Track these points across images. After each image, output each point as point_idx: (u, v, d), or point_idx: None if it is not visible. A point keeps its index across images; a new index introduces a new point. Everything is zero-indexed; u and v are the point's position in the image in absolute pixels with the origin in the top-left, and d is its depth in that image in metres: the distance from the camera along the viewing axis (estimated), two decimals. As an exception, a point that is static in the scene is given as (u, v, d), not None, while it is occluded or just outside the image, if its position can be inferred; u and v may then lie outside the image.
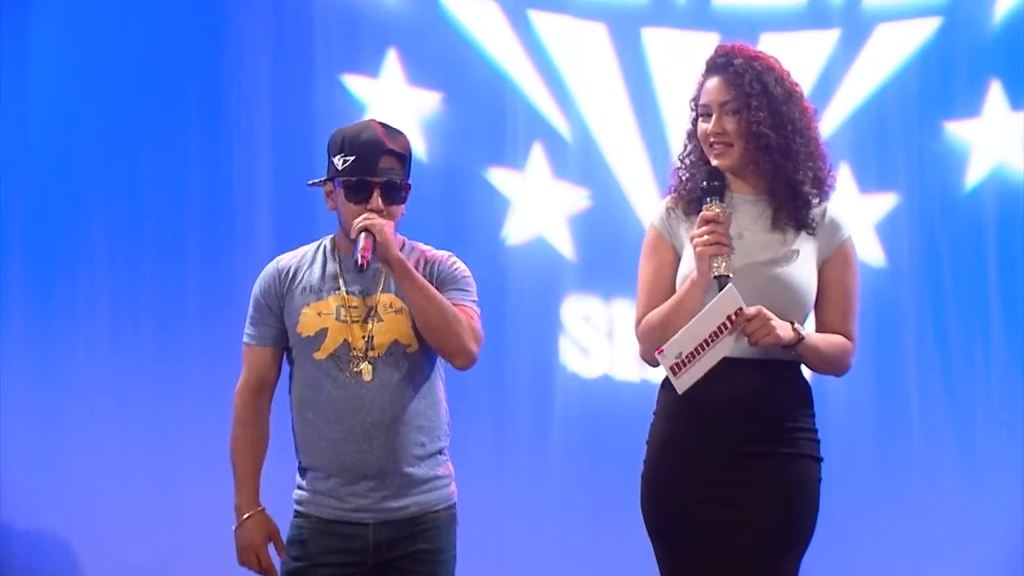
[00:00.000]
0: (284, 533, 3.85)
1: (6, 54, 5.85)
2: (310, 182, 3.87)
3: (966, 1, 5.91)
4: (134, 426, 5.83)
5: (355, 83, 5.92)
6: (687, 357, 3.53)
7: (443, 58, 5.91)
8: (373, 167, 3.73)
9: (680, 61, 5.90)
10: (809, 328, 3.68)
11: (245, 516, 3.79)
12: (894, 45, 5.90)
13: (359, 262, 3.61)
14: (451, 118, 5.91)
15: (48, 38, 5.88)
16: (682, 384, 3.55)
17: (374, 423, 3.72)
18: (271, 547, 3.81)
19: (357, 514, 3.73)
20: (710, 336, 3.52)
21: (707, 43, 5.86)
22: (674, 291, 3.66)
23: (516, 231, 5.94)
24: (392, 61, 5.91)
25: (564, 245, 5.95)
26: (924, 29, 5.91)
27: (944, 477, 5.85)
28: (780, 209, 3.65)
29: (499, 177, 5.93)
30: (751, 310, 3.50)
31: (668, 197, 3.79)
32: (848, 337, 3.65)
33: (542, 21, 5.93)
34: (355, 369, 3.72)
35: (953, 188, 5.91)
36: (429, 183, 5.89)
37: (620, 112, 5.92)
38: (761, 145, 3.62)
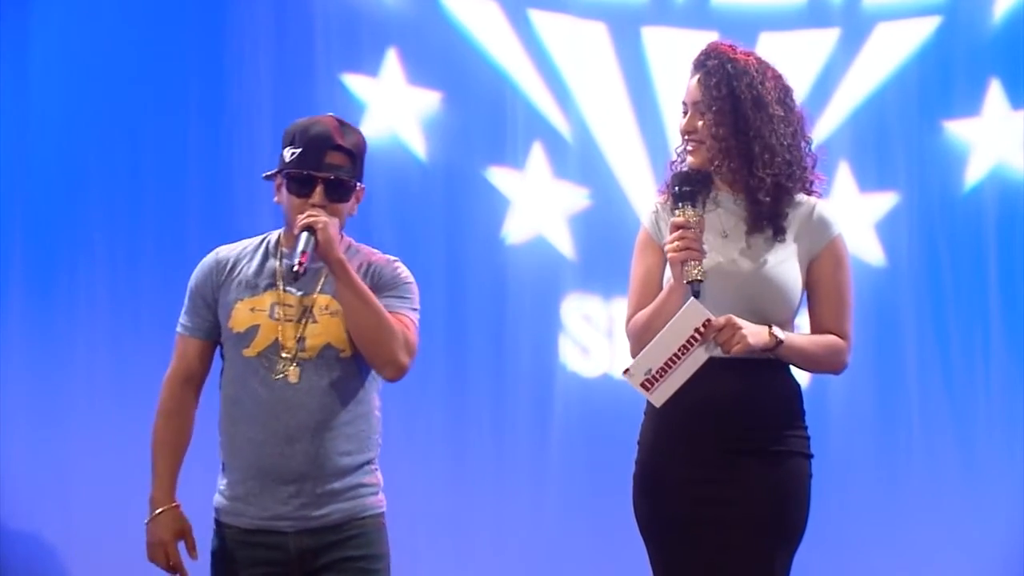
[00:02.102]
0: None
1: (6, 54, 5.85)
2: (264, 174, 3.78)
3: (966, 0, 5.91)
4: (134, 425, 5.78)
5: (355, 83, 5.92)
6: (657, 373, 3.51)
7: (443, 58, 5.91)
8: (319, 162, 3.62)
9: (680, 60, 5.88)
10: (805, 327, 3.68)
11: (158, 511, 3.68)
12: (894, 44, 5.90)
13: (295, 267, 3.48)
14: (451, 118, 5.91)
15: (48, 38, 5.87)
16: (658, 398, 3.54)
17: (298, 427, 3.59)
18: (181, 546, 3.70)
19: (275, 522, 3.61)
20: (679, 350, 3.49)
21: (706, 42, 5.90)
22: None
23: (516, 230, 5.94)
24: (392, 61, 5.91)
25: (564, 244, 5.95)
26: (924, 28, 5.91)
27: (944, 477, 5.85)
28: (759, 208, 3.63)
29: (499, 177, 5.93)
30: (719, 320, 3.49)
31: (659, 196, 3.79)
32: (841, 335, 3.63)
33: (542, 20, 5.94)
34: (283, 370, 3.61)
35: (953, 187, 5.92)
36: (429, 183, 5.90)
37: (620, 111, 5.93)
38: (721, 148, 3.62)
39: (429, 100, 5.91)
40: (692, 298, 3.49)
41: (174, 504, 3.71)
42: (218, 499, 3.71)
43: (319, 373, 3.62)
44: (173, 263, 5.88)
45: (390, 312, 3.62)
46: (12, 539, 5.80)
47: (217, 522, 3.71)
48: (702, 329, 3.48)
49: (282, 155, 3.68)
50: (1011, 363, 5.86)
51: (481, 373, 5.85)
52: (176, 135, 5.88)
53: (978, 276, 5.87)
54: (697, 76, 3.68)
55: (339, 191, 3.64)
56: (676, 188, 3.60)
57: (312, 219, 3.54)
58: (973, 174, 5.91)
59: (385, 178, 5.79)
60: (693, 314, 3.48)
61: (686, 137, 3.68)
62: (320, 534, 3.61)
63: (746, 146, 3.60)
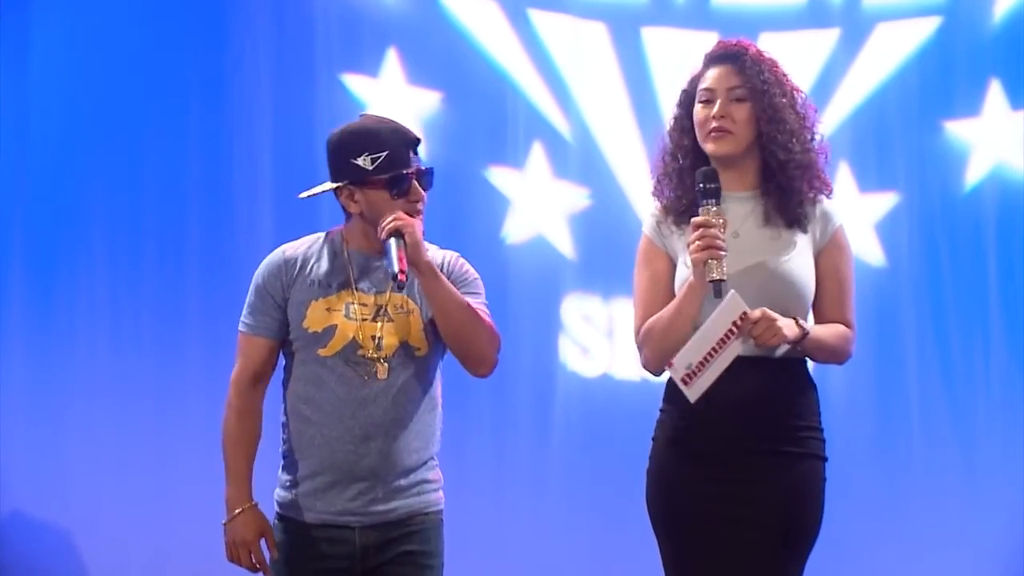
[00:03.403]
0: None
1: (6, 54, 5.85)
2: (308, 193, 3.77)
3: (966, 0, 5.91)
4: (135, 424, 5.83)
5: (355, 83, 5.92)
6: (697, 367, 3.53)
7: (443, 57, 5.91)
8: (407, 159, 3.67)
9: (680, 60, 5.90)
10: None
11: (237, 511, 3.68)
12: (894, 44, 5.90)
13: (398, 276, 3.53)
14: (451, 117, 5.92)
15: (48, 38, 5.88)
16: (694, 392, 3.55)
17: (374, 425, 3.64)
18: (263, 544, 3.71)
19: (343, 517, 3.66)
20: (718, 344, 3.52)
21: (707, 42, 5.88)
22: (672, 297, 3.65)
23: (516, 230, 5.94)
24: (392, 60, 5.91)
25: (564, 244, 5.95)
26: (924, 28, 5.90)
27: (944, 477, 5.84)
28: (771, 205, 3.65)
29: (499, 176, 5.93)
30: (755, 313, 3.50)
31: (655, 207, 3.79)
32: (847, 325, 3.66)
33: (542, 20, 5.94)
34: (362, 369, 3.64)
35: (953, 188, 5.91)
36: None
37: (620, 111, 5.92)
38: (764, 137, 3.63)
39: (429, 100, 5.91)
40: (732, 291, 3.51)
41: (253, 503, 3.70)
42: (282, 493, 3.74)
43: (395, 371, 3.66)
44: (173, 263, 5.90)
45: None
46: (12, 539, 5.80)
47: (280, 516, 3.73)
48: (739, 322, 3.50)
49: (351, 165, 3.64)
50: (1011, 363, 5.86)
51: (481, 373, 5.85)
52: (176, 135, 5.89)
53: (978, 276, 5.87)
54: (728, 65, 3.68)
55: (427, 180, 3.73)
56: (701, 185, 3.59)
57: (399, 223, 3.59)
58: (973, 174, 5.91)
59: (385, 178, 5.79)
60: (732, 307, 3.51)
61: (714, 124, 3.65)
62: (384, 529, 3.66)
63: (785, 137, 3.62)
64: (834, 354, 3.66)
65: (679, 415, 3.65)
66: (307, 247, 3.77)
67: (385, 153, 3.64)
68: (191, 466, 5.67)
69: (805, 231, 3.65)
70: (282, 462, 3.77)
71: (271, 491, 3.79)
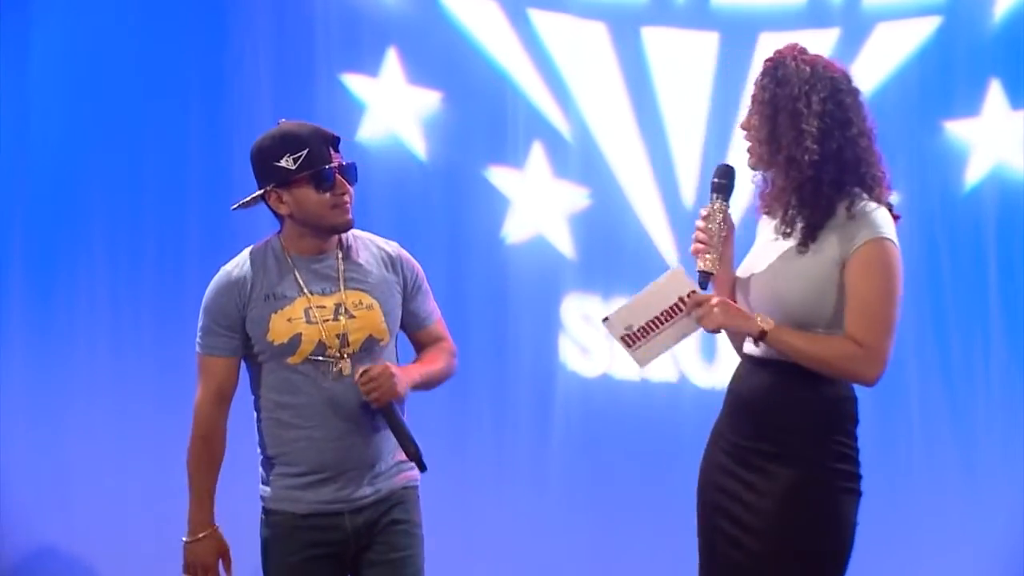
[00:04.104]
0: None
1: (6, 54, 5.85)
2: (238, 204, 3.87)
3: (966, 0, 5.90)
4: (135, 425, 5.83)
5: (355, 82, 5.92)
6: (639, 332, 3.61)
7: (443, 57, 5.91)
8: (327, 154, 3.75)
9: (680, 60, 5.91)
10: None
11: (200, 535, 3.82)
12: (894, 44, 5.89)
13: (421, 468, 3.81)
14: (451, 117, 5.91)
15: (48, 38, 5.87)
16: (641, 359, 3.64)
17: (353, 420, 3.75)
18: (220, 566, 3.84)
19: (333, 505, 3.78)
20: (663, 315, 3.58)
21: (707, 42, 5.91)
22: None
23: (516, 230, 5.94)
24: (392, 60, 5.91)
25: (564, 244, 5.95)
26: (924, 28, 5.90)
27: (944, 477, 5.84)
28: (784, 217, 3.64)
29: (499, 176, 5.93)
30: (703, 295, 3.56)
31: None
32: (859, 342, 3.56)
33: (542, 20, 5.93)
34: (335, 368, 3.74)
35: (953, 188, 5.91)
36: (429, 182, 5.90)
37: (620, 111, 5.92)
38: (760, 151, 3.64)
39: (429, 100, 5.91)
40: (679, 266, 3.63)
41: (215, 527, 3.83)
42: (268, 490, 3.84)
43: (362, 364, 3.74)
44: (173, 263, 5.90)
45: (430, 322, 3.92)
46: (12, 539, 5.80)
47: (267, 510, 3.82)
48: (685, 299, 3.57)
49: (274, 168, 3.74)
50: (1011, 363, 5.86)
51: (481, 373, 5.84)
52: (176, 135, 5.89)
53: (978, 276, 5.86)
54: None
55: (351, 173, 3.80)
56: (714, 179, 3.65)
57: (379, 394, 3.71)
58: (973, 174, 5.90)
59: (385, 178, 5.80)
60: (678, 282, 3.58)
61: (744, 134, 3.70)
62: (370, 509, 3.79)
63: (773, 156, 3.60)
64: (818, 362, 3.56)
65: (723, 404, 3.72)
66: (250, 264, 3.83)
67: (306, 151, 3.73)
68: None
69: (826, 244, 3.58)
70: (263, 461, 3.84)
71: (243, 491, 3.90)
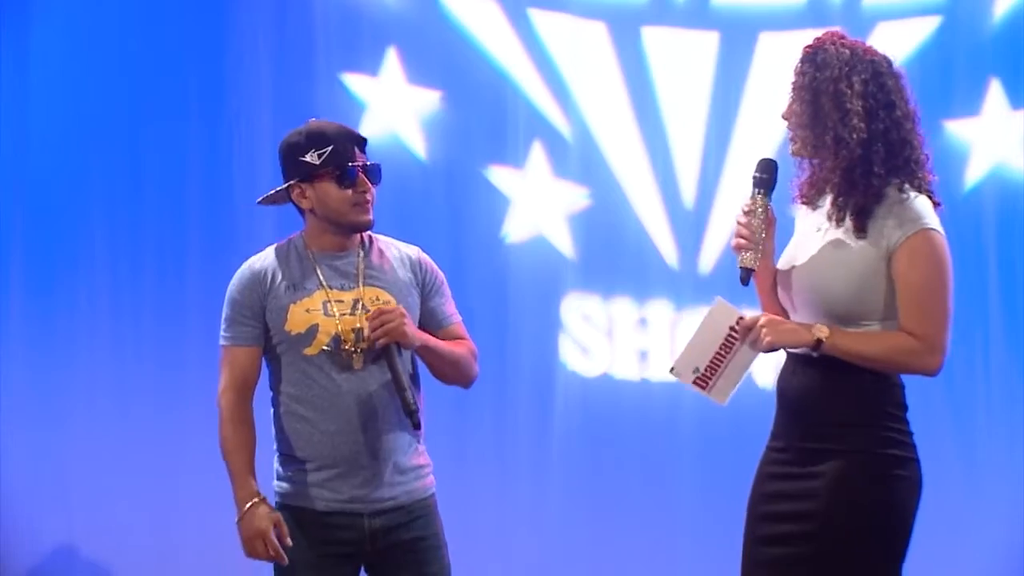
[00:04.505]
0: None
1: (6, 54, 5.85)
2: (264, 197, 3.95)
3: (966, 0, 5.90)
4: (135, 426, 5.83)
5: (355, 82, 5.92)
6: (707, 371, 3.58)
7: (443, 57, 5.91)
8: (352, 153, 3.84)
9: (680, 60, 5.91)
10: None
11: (248, 505, 3.77)
12: (894, 44, 5.87)
13: (415, 418, 3.76)
14: (451, 117, 5.91)
15: (48, 38, 5.87)
16: (719, 395, 3.61)
17: (369, 413, 3.78)
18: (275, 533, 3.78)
19: (352, 504, 3.79)
20: (722, 348, 3.57)
21: (707, 42, 5.91)
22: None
23: (516, 229, 5.94)
24: (392, 60, 5.91)
25: (564, 244, 5.95)
26: (924, 28, 5.90)
27: (944, 477, 5.83)
28: (835, 202, 3.60)
29: (499, 176, 5.93)
30: (748, 320, 3.55)
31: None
32: (915, 334, 3.54)
33: (542, 20, 5.93)
34: (347, 361, 3.78)
35: (953, 187, 5.90)
36: (429, 182, 5.90)
37: (620, 111, 5.92)
38: (802, 137, 3.61)
39: (429, 99, 5.91)
40: (717, 297, 3.58)
41: (261, 497, 3.79)
42: (284, 485, 3.85)
43: (378, 360, 3.79)
44: (173, 263, 5.90)
45: (450, 323, 3.95)
46: (12, 539, 5.80)
47: (283, 506, 3.83)
48: (736, 327, 3.56)
49: (300, 163, 3.83)
50: (1011, 363, 5.86)
51: (481, 372, 5.81)
52: (176, 134, 5.88)
53: (978, 276, 5.86)
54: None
55: (375, 174, 3.89)
56: (755, 173, 3.63)
57: (387, 328, 3.72)
58: (973, 174, 5.91)
59: (385, 177, 5.74)
60: (723, 313, 3.57)
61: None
62: (390, 514, 3.81)
63: (820, 138, 3.57)
64: (882, 362, 3.55)
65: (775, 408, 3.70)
66: (272, 257, 3.91)
67: (330, 148, 3.82)
68: (191, 468, 5.68)
69: (874, 233, 3.56)
70: (280, 457, 3.87)
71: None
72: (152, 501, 5.78)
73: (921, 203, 3.61)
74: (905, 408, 3.63)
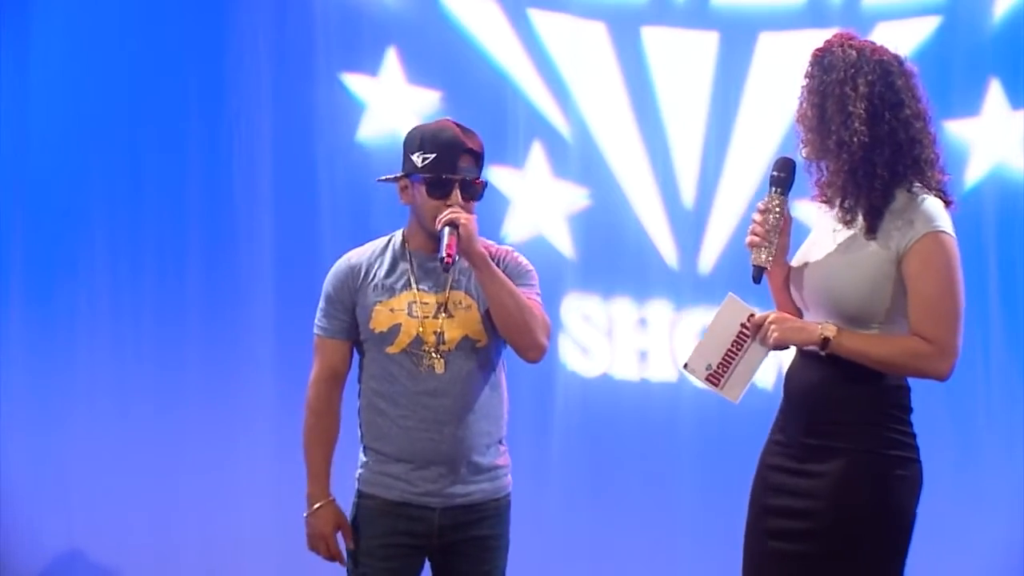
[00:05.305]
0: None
1: (6, 54, 5.85)
2: (382, 178, 4.01)
3: (966, 0, 5.90)
4: (135, 427, 5.83)
5: (355, 82, 5.92)
6: (719, 368, 3.61)
7: (443, 57, 5.92)
8: (453, 165, 3.88)
9: (680, 60, 5.91)
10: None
11: (317, 505, 3.92)
12: (894, 44, 5.88)
13: (444, 259, 3.75)
14: (451, 117, 5.90)
15: (48, 38, 5.88)
16: (730, 393, 3.64)
17: (446, 413, 3.88)
18: (339, 536, 3.94)
19: (425, 498, 3.89)
20: (733, 345, 3.60)
21: (706, 42, 5.91)
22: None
23: (516, 230, 5.94)
24: (392, 60, 5.91)
25: (564, 244, 5.95)
26: (923, 28, 5.90)
27: (944, 477, 5.83)
28: (843, 204, 3.60)
29: (499, 176, 5.92)
30: (758, 316, 3.58)
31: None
32: (926, 338, 3.52)
33: (542, 20, 5.93)
34: (427, 363, 3.86)
35: (953, 187, 5.89)
36: (429, 182, 5.90)
37: (620, 111, 5.92)
38: (811, 140, 3.61)
39: (429, 100, 5.91)
40: (729, 294, 3.61)
41: (331, 498, 3.94)
42: (364, 474, 3.96)
43: (459, 363, 3.90)
44: (174, 263, 5.90)
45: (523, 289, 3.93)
46: (13, 539, 5.80)
47: (361, 492, 3.96)
48: (747, 323, 3.59)
49: (410, 159, 3.91)
50: (1011, 363, 5.86)
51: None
52: (176, 134, 5.89)
53: (978, 276, 5.85)
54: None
55: (472, 190, 3.93)
56: (773, 172, 3.65)
57: (455, 215, 3.81)
58: (973, 174, 5.91)
59: (385, 178, 5.79)
60: (734, 309, 3.60)
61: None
62: (461, 512, 3.91)
63: (824, 142, 3.58)
64: (888, 365, 3.55)
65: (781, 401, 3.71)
66: (370, 253, 4.00)
67: (434, 155, 3.89)
68: (192, 468, 5.68)
69: (884, 235, 3.56)
70: (362, 447, 3.98)
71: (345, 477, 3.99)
72: (152, 501, 5.79)
73: (931, 204, 3.61)
74: (910, 410, 3.63)
